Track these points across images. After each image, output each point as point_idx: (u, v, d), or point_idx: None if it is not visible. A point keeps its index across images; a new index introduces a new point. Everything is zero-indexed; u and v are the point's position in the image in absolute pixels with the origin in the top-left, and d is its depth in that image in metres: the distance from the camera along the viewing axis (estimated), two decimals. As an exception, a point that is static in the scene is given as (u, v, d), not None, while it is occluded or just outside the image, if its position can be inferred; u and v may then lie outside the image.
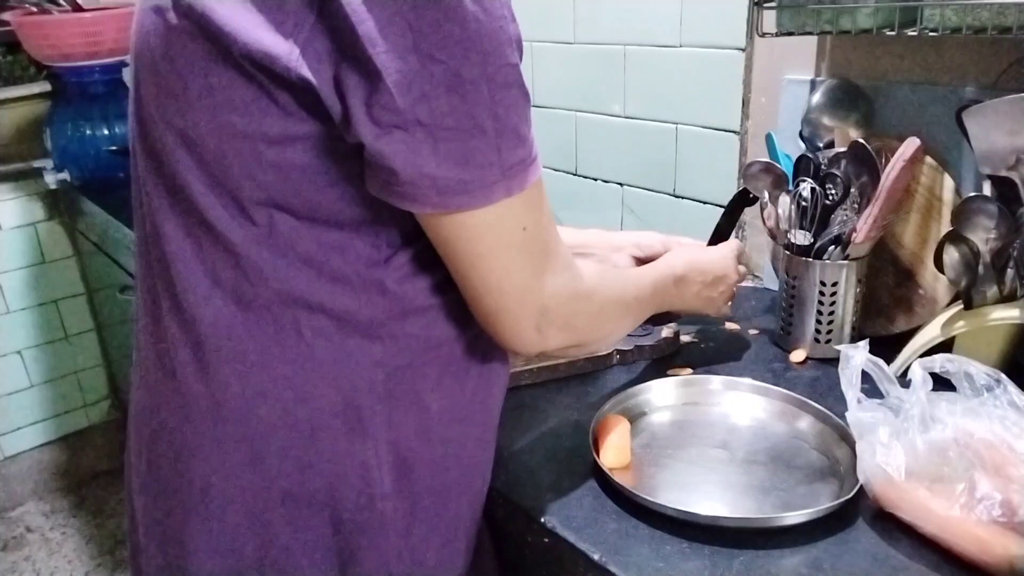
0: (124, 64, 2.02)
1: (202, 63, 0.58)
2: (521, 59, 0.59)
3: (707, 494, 0.80)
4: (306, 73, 0.55)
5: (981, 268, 0.89)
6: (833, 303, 1.03)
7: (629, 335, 1.07)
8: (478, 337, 0.71)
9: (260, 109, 0.57)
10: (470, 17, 0.54)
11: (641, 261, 1.02)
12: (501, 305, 0.65)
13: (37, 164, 2.09)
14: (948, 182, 1.02)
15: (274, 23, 0.55)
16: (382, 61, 0.53)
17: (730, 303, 1.03)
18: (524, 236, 0.63)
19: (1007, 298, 0.90)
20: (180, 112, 0.61)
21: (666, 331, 1.08)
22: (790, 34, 1.04)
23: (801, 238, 1.03)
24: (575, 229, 1.03)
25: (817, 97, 1.11)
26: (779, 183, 1.04)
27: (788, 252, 1.05)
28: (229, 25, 0.56)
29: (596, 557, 0.72)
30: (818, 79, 1.16)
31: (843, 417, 0.80)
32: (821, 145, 1.09)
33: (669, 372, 1.03)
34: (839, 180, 0.99)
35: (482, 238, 0.61)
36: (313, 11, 0.54)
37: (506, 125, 0.58)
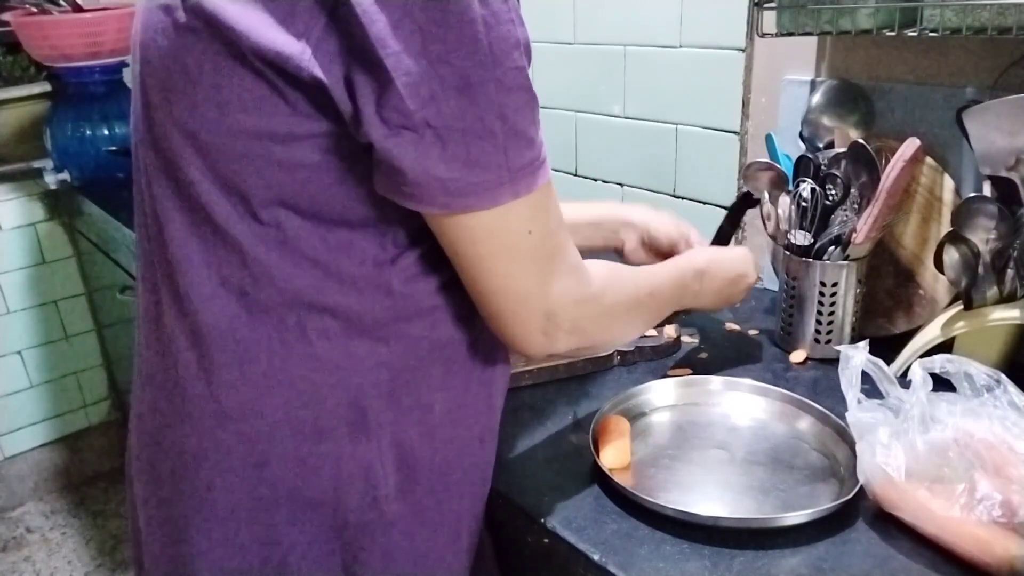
0: (124, 64, 2.02)
1: (211, 62, 0.58)
2: (530, 63, 0.59)
3: (707, 494, 0.80)
4: (318, 73, 0.55)
5: (981, 268, 0.89)
6: (833, 303, 1.03)
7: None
8: (481, 338, 0.71)
9: (270, 108, 0.57)
10: (478, 20, 0.54)
11: (646, 244, 1.01)
12: (506, 307, 0.65)
13: (37, 164, 2.09)
14: (948, 182, 1.02)
15: (285, 23, 0.55)
16: (392, 63, 0.53)
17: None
18: (530, 239, 0.63)
19: (1007, 298, 0.90)
20: (188, 111, 0.61)
21: (667, 332, 1.08)
22: (790, 34, 1.04)
23: (801, 238, 1.03)
24: (585, 204, 1.01)
25: (817, 97, 1.11)
26: (779, 183, 1.04)
27: (788, 252, 1.05)
28: (240, 24, 0.56)
29: (596, 557, 0.72)
30: (818, 79, 1.16)
31: (843, 417, 0.80)
32: (821, 145, 1.09)
33: (669, 373, 1.03)
34: (839, 180, 0.99)
35: (488, 240, 0.61)
36: (325, 11, 0.54)
37: (514, 128, 0.58)
